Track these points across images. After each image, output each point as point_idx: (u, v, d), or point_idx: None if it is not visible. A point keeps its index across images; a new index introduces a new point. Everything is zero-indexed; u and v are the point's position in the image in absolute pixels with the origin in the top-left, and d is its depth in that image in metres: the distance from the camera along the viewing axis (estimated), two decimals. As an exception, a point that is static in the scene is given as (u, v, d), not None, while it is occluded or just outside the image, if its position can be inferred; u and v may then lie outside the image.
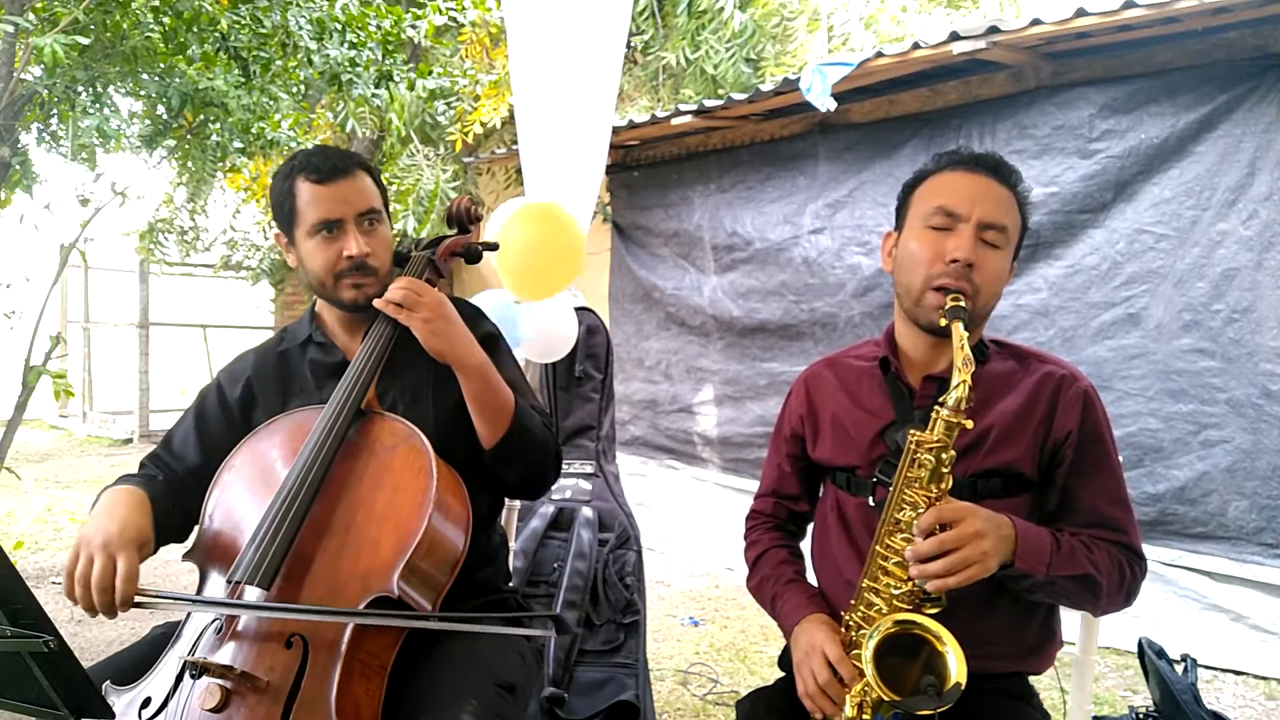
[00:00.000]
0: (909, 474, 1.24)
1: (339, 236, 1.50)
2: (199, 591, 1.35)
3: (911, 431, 1.24)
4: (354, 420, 1.42)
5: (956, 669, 1.14)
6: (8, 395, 4.00)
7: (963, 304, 1.27)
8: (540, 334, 2.42)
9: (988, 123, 4.04)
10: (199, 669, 1.19)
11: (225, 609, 1.27)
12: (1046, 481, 1.38)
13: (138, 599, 1.26)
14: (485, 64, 6.29)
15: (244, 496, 1.42)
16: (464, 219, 1.74)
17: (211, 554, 1.38)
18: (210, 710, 1.16)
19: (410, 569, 1.29)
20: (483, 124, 6.14)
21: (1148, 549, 1.39)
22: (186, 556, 1.42)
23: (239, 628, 1.25)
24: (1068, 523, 1.35)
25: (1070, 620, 1.50)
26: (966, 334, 1.23)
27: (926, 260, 1.34)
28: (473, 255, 1.73)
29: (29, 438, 9.01)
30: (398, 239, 1.71)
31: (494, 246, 1.80)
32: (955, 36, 3.75)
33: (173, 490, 1.50)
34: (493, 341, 1.62)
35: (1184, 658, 2.48)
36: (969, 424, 1.21)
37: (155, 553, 1.41)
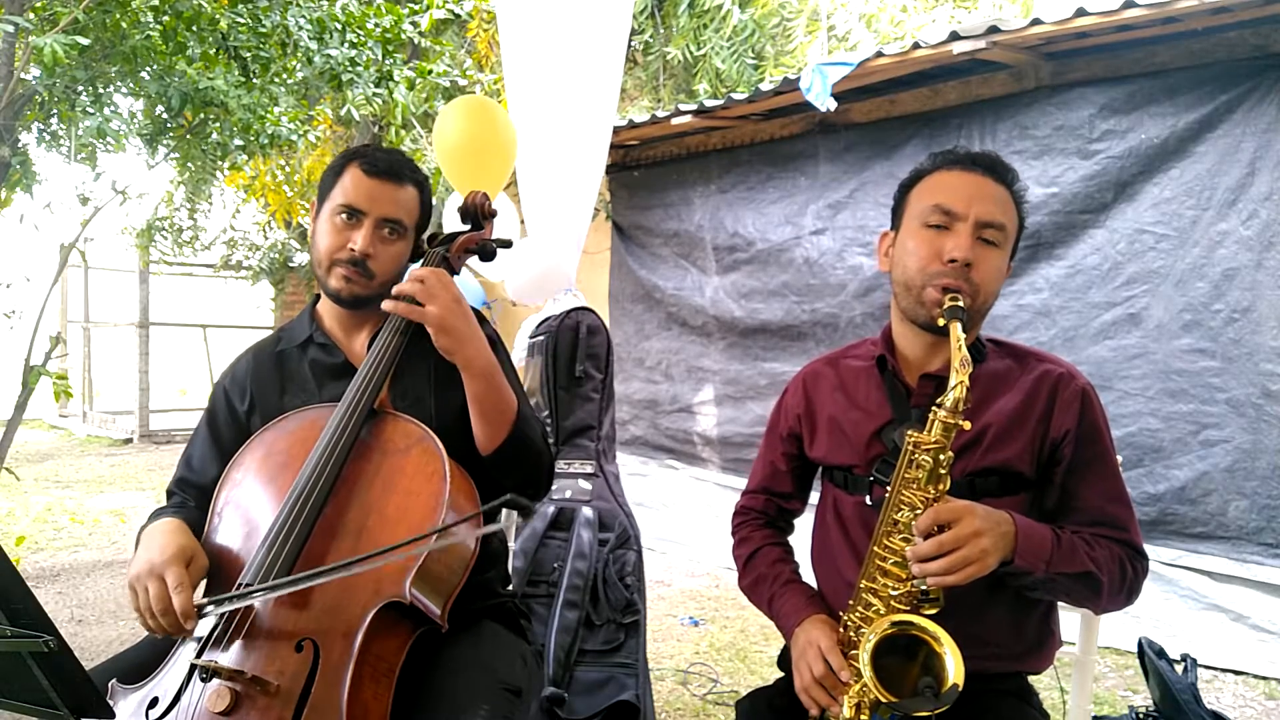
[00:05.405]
0: (907, 475, 1.23)
1: (354, 227, 1.50)
2: (207, 590, 1.33)
3: (909, 433, 1.23)
4: (366, 420, 1.40)
5: (954, 670, 1.14)
6: (8, 395, 4.01)
7: (961, 303, 1.26)
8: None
9: (988, 123, 4.04)
10: (209, 672, 1.17)
11: (287, 587, 1.21)
12: (1045, 480, 1.37)
13: (205, 610, 1.24)
14: (492, 61, 6.25)
15: (253, 495, 1.40)
16: (477, 215, 1.68)
17: (219, 553, 1.36)
18: (219, 713, 1.14)
19: (422, 575, 1.27)
20: None
21: (1148, 549, 1.38)
22: None
23: (249, 630, 1.23)
24: (1068, 521, 1.34)
25: (1070, 620, 1.49)
26: (964, 334, 1.23)
27: (924, 259, 1.34)
28: (487, 253, 1.67)
29: (29, 438, 9.01)
30: None
31: (508, 244, 1.73)
32: (955, 36, 3.75)
33: (206, 511, 1.47)
34: (492, 344, 1.58)
35: (1184, 658, 2.47)
36: (966, 425, 1.20)
37: (209, 565, 1.36)
